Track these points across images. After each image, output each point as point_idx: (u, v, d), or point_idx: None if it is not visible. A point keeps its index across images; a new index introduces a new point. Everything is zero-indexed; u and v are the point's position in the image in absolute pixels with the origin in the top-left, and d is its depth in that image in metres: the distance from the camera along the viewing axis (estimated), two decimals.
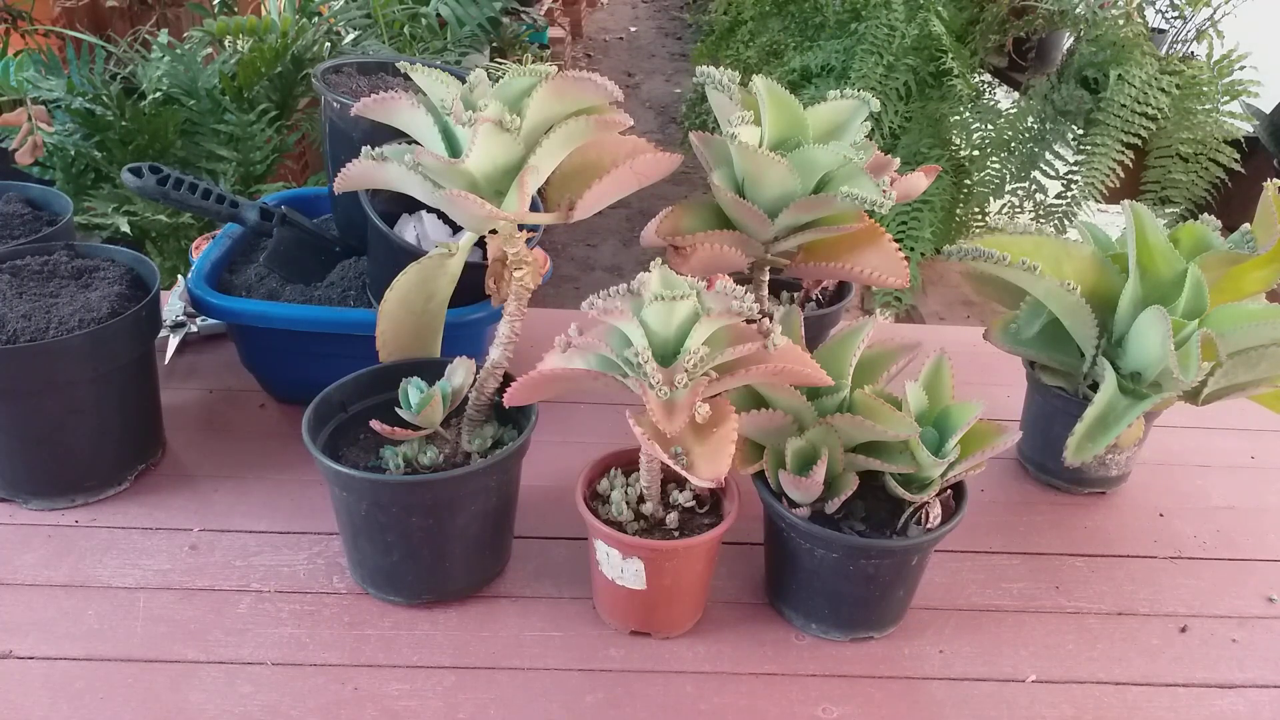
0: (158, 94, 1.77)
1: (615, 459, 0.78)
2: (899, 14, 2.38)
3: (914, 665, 0.75)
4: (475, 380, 0.79)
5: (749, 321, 0.67)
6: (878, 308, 2.27)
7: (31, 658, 0.72)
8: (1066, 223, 2.29)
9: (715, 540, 0.73)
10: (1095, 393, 0.83)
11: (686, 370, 0.64)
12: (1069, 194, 2.30)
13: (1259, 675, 0.76)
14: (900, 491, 0.72)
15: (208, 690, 0.70)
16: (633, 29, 6.17)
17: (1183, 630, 0.80)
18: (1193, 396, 0.85)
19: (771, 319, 0.69)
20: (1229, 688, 0.75)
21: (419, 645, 0.74)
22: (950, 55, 2.32)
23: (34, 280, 0.86)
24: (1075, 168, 2.30)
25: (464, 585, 0.79)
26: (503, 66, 0.81)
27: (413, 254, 0.85)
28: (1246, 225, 0.85)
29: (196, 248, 1.18)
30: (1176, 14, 2.39)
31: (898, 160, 0.82)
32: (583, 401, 1.05)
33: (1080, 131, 2.32)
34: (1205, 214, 0.89)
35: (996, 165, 2.41)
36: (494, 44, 3.01)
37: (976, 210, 2.50)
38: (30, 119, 1.61)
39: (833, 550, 0.72)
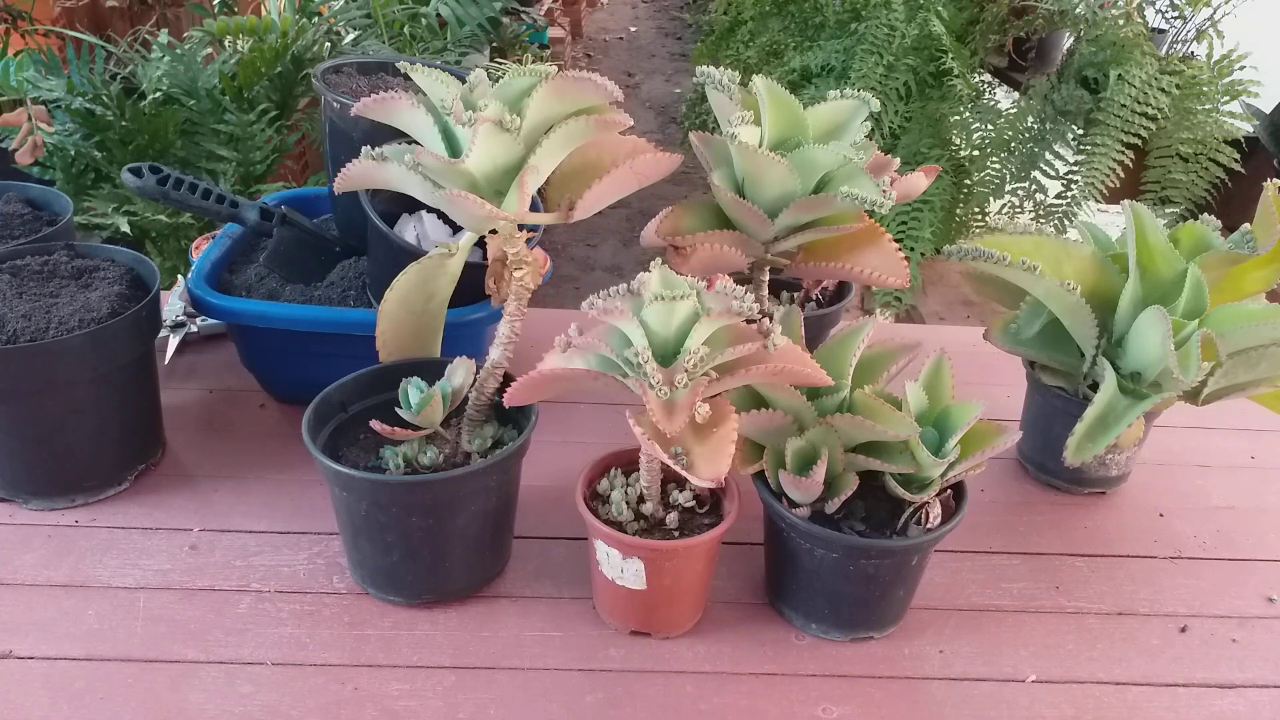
0: (158, 94, 1.77)
1: (615, 459, 0.78)
2: (899, 14, 2.38)
3: (914, 665, 0.75)
4: (475, 380, 0.79)
5: (749, 321, 0.67)
6: (878, 308, 2.27)
7: (31, 658, 0.72)
8: (1066, 223, 2.29)
9: (715, 540, 0.73)
10: (1095, 393, 0.83)
11: (686, 370, 0.64)
12: (1069, 194, 2.30)
13: (1259, 675, 0.76)
14: (900, 491, 0.72)
15: (208, 690, 0.70)
16: (633, 29, 6.17)
17: (1183, 630, 0.80)
18: (1193, 396, 0.85)
19: (771, 319, 0.69)
20: (1229, 688, 0.75)
21: (419, 645, 0.74)
22: (950, 55, 2.32)
23: (34, 280, 0.86)
24: (1075, 168, 2.30)
25: (464, 585, 0.79)
26: (503, 66, 0.81)
27: (413, 254, 0.85)
28: (1246, 225, 0.85)
29: (196, 248, 1.18)
30: (1176, 14, 2.39)
31: (898, 160, 0.82)
32: (583, 401, 1.05)
33: (1080, 131, 2.32)
34: (1205, 214, 0.89)
35: (996, 165, 2.41)
36: (494, 44, 3.01)
37: (976, 210, 2.50)
38: (30, 119, 1.61)
39: (833, 550, 0.72)
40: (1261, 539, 0.91)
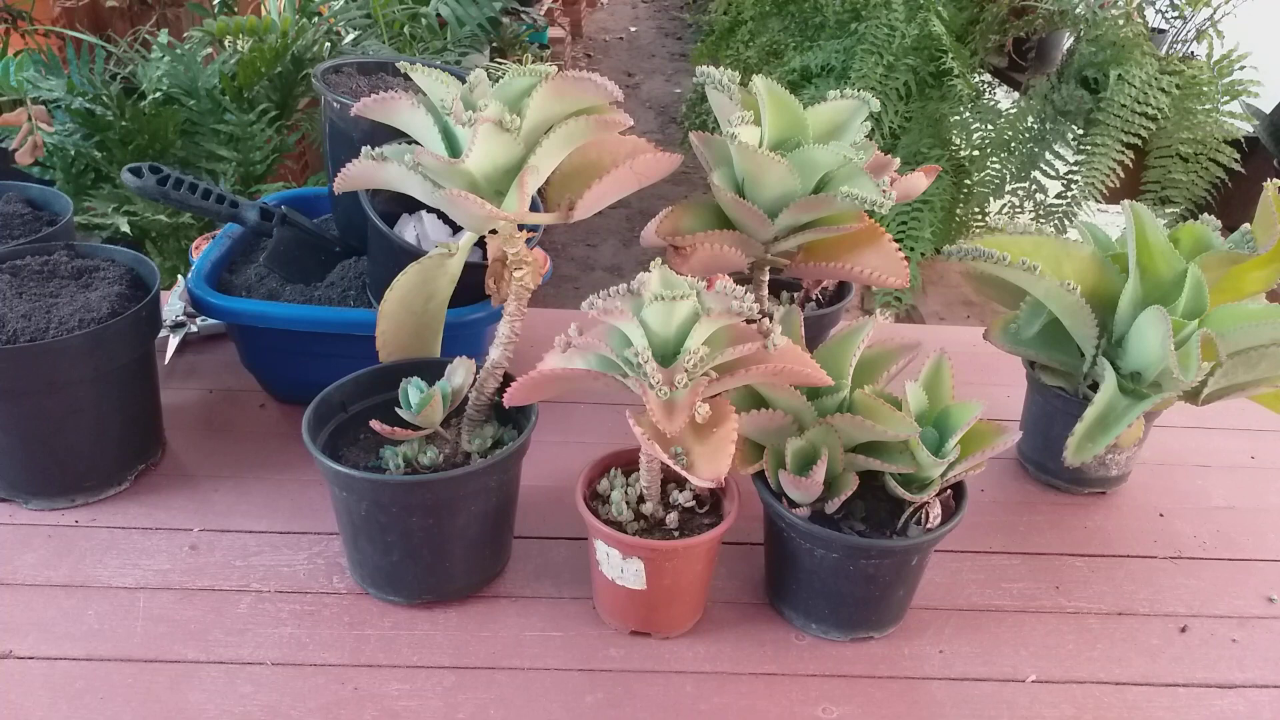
0: (158, 94, 1.77)
1: (615, 459, 0.78)
2: (899, 14, 2.38)
3: (914, 665, 0.75)
4: (475, 380, 0.79)
5: (749, 321, 0.67)
6: (878, 308, 2.27)
7: (31, 658, 0.72)
8: (1066, 223, 2.29)
9: (715, 540, 0.73)
10: (1095, 393, 0.83)
11: (686, 370, 0.64)
12: (1069, 194, 2.30)
13: (1259, 675, 0.76)
14: (900, 491, 0.72)
15: (208, 690, 0.70)
16: (633, 29, 6.17)
17: (1183, 630, 0.80)
18: (1193, 396, 0.85)
19: (771, 319, 0.69)
20: (1229, 688, 0.75)
21: (419, 645, 0.74)
22: (950, 55, 2.32)
23: (34, 280, 0.86)
24: (1075, 168, 2.30)
25: (464, 585, 0.79)
26: (503, 66, 0.81)
27: (413, 254, 0.85)
28: (1246, 225, 0.85)
29: (196, 248, 1.18)
30: (1176, 14, 2.39)
31: (898, 160, 0.82)
32: (583, 401, 1.05)
33: (1080, 131, 2.32)
34: (1205, 214, 0.89)
35: (996, 165, 2.41)
36: (494, 44, 3.01)
37: (976, 210, 2.50)
38: (30, 119, 1.61)
39: (833, 550, 0.72)
40: (1261, 539, 0.91)
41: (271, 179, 1.89)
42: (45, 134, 1.63)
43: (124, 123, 1.72)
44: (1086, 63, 2.31)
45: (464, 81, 0.69)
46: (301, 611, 0.77)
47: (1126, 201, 0.86)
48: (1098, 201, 2.25)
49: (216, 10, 2.17)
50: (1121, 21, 2.28)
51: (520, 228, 0.74)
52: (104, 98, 1.70)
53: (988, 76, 2.76)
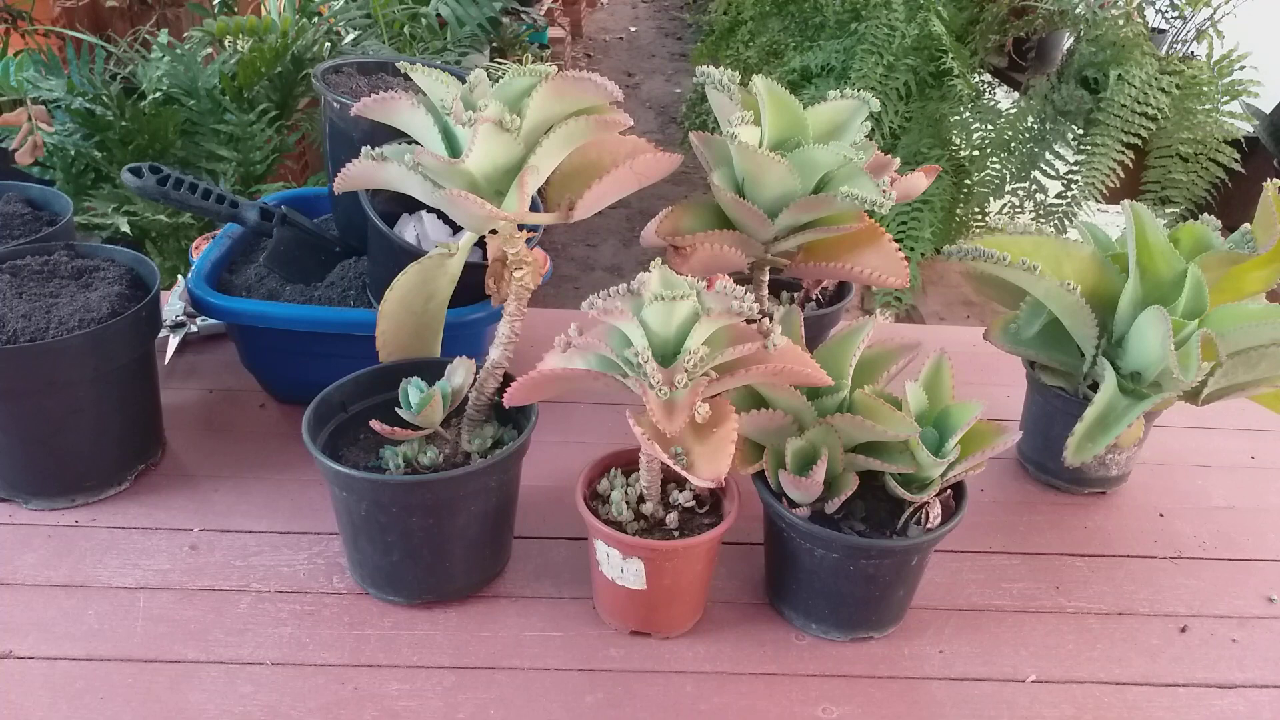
0: (158, 94, 1.77)
1: (615, 459, 0.78)
2: (899, 14, 2.38)
3: (914, 665, 0.75)
4: (475, 380, 0.79)
5: (749, 321, 0.67)
6: (878, 308, 2.27)
7: (31, 658, 0.72)
8: (1066, 223, 2.29)
9: (715, 540, 0.73)
10: (1095, 393, 0.83)
11: (686, 370, 0.64)
12: (1069, 194, 2.30)
13: (1259, 675, 0.76)
14: (900, 491, 0.72)
15: (208, 690, 0.70)
16: (633, 29, 6.17)
17: (1183, 630, 0.80)
18: (1193, 396, 0.85)
19: (771, 319, 0.69)
20: (1229, 688, 0.75)
21: (419, 645, 0.74)
22: (950, 55, 2.32)
23: (34, 280, 0.86)
24: (1075, 168, 2.30)
25: (464, 585, 0.79)
26: (503, 66, 0.81)
27: (413, 254, 0.85)
28: (1246, 225, 0.85)
29: (196, 248, 1.18)
30: (1176, 14, 2.39)
31: (898, 160, 0.82)
32: (583, 401, 1.05)
33: (1080, 131, 2.32)
34: (1205, 214, 0.89)
35: (996, 165, 2.41)
36: (494, 44, 3.01)
37: (976, 210, 2.50)
38: (30, 119, 1.61)
39: (833, 550, 0.72)
40: (1261, 539, 0.91)
41: (271, 179, 1.89)
42: (45, 134, 1.63)
43: (124, 123, 1.72)
44: (1086, 63, 2.31)
45: (464, 81, 0.69)
46: (301, 611, 0.77)
47: (1126, 201, 0.86)
48: (1098, 201, 2.25)
49: (216, 10, 2.17)
50: (1121, 21, 2.28)
51: (520, 228, 0.74)
52: (104, 98, 1.70)
53: (988, 76, 2.76)
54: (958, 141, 2.45)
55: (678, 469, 0.65)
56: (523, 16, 3.38)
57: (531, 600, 0.79)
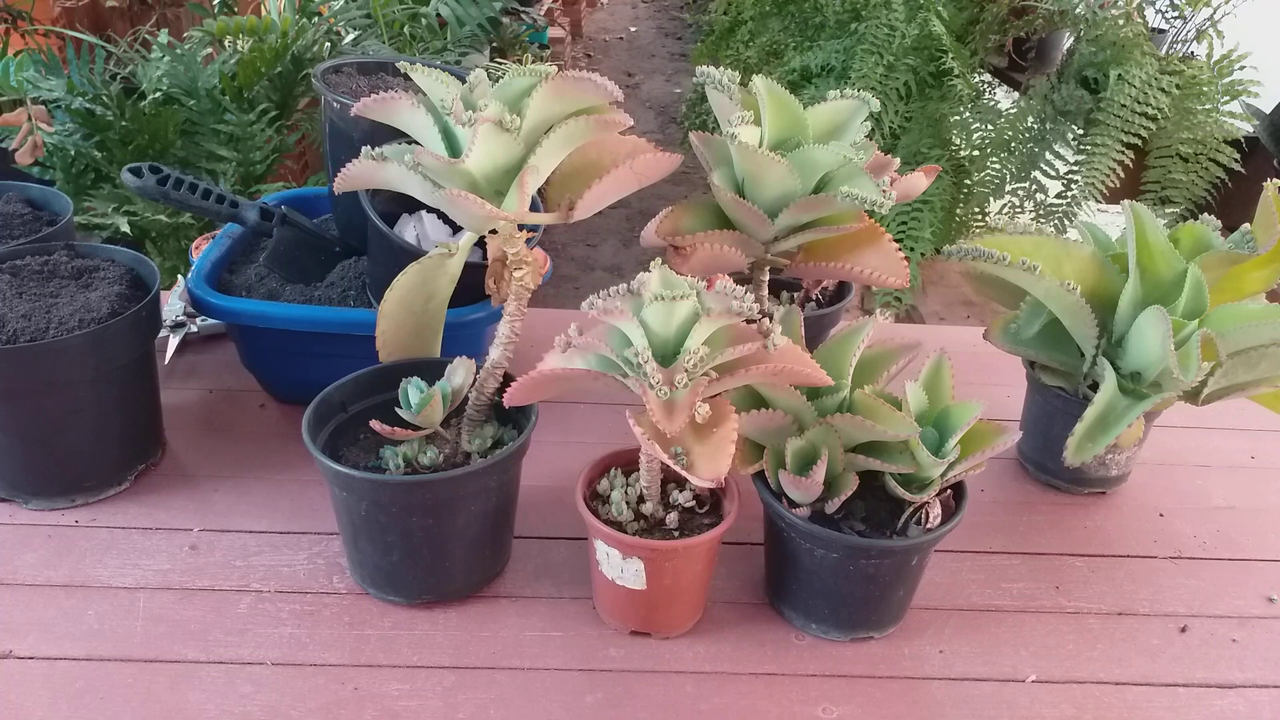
0: (158, 94, 1.77)
1: (615, 459, 0.78)
2: (899, 14, 2.38)
3: (914, 665, 0.75)
4: (475, 380, 0.79)
5: (749, 321, 0.67)
6: (878, 308, 2.27)
7: (31, 658, 0.72)
8: (1066, 223, 2.29)
9: (715, 540, 0.73)
10: (1095, 393, 0.83)
11: (686, 370, 0.64)
12: (1069, 194, 2.30)
13: (1259, 675, 0.76)
14: (900, 491, 0.72)
15: (208, 690, 0.70)
16: (633, 29, 6.17)
17: (1183, 630, 0.80)
18: (1193, 396, 0.85)
19: (771, 319, 0.69)
20: (1229, 688, 0.75)
21: (419, 645, 0.74)
22: (950, 55, 2.32)
23: (34, 280, 0.86)
24: (1075, 168, 2.30)
25: (464, 585, 0.79)
26: (503, 66, 0.81)
27: (413, 254, 0.85)
28: (1246, 225, 0.85)
29: (196, 248, 1.18)
30: (1176, 14, 2.39)
31: (898, 160, 0.82)
32: (583, 401, 1.05)
33: (1080, 131, 2.32)
34: (1205, 214, 0.89)
35: (996, 165, 2.41)
36: (494, 44, 3.01)
37: (976, 210, 2.50)
38: (30, 119, 1.61)
39: (833, 550, 0.72)
40: (1261, 539, 0.91)
41: (271, 179, 1.89)
42: (45, 134, 1.63)
43: (124, 123, 1.72)
44: (1086, 63, 2.31)
45: (464, 81, 0.69)
46: (301, 611, 0.77)
47: (1126, 201, 0.86)
48: (1098, 201, 2.25)
49: (216, 10, 2.17)
50: (1121, 21, 2.28)
51: (520, 228, 0.74)
52: (104, 98, 1.70)
53: (988, 76, 2.76)
54: (958, 141, 2.45)
55: (678, 469, 0.65)
56: (523, 16, 3.38)
57: (531, 600, 0.79)
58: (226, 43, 1.94)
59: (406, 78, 0.70)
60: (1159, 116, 2.22)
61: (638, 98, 4.74)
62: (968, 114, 2.41)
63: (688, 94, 4.10)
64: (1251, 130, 2.37)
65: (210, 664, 0.72)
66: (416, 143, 0.70)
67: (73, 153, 1.71)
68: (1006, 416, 0.96)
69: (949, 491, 0.76)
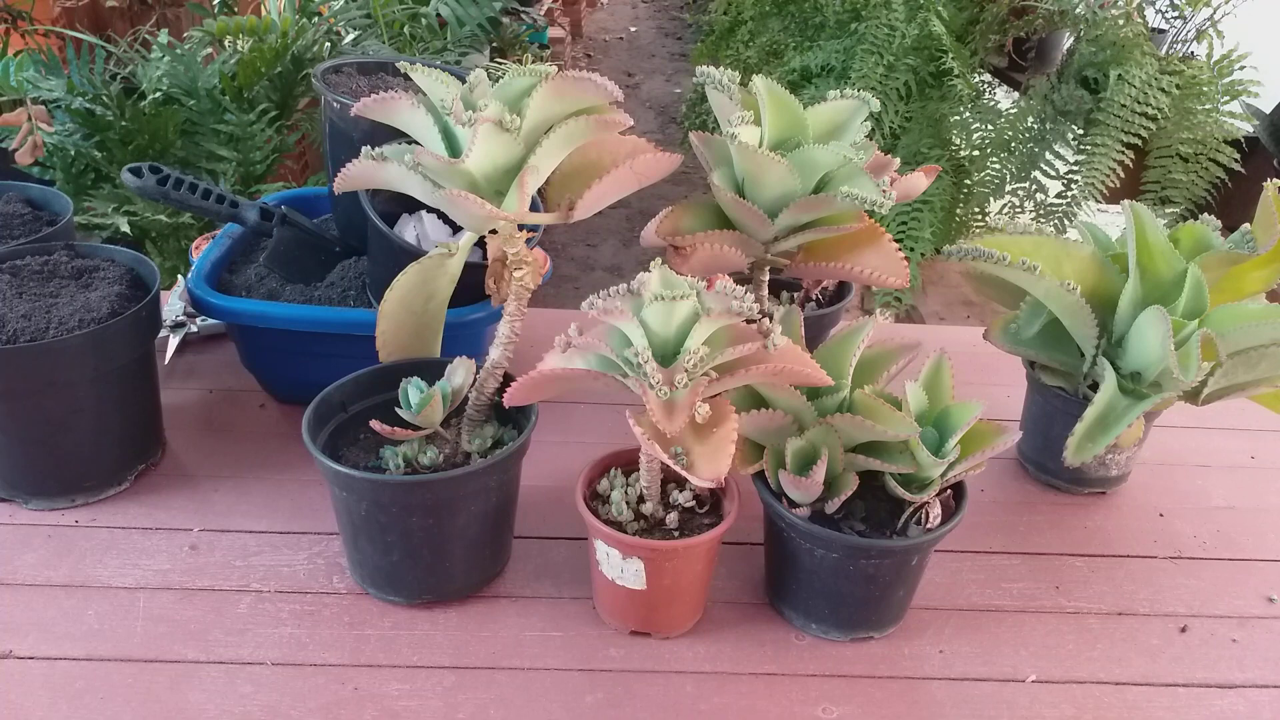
0: (158, 94, 1.77)
1: (615, 459, 0.78)
2: (899, 14, 2.38)
3: (914, 665, 0.75)
4: (475, 380, 0.79)
5: (749, 321, 0.67)
6: (878, 308, 2.27)
7: (31, 658, 0.72)
8: (1066, 223, 2.29)
9: (715, 540, 0.73)
10: (1095, 393, 0.83)
11: (686, 370, 0.64)
12: (1069, 194, 2.30)
13: (1259, 675, 0.76)
14: (900, 491, 0.72)
15: (208, 690, 0.70)
16: (633, 29, 6.17)
17: (1183, 630, 0.80)
18: (1193, 396, 0.85)
19: (771, 319, 0.69)
20: (1229, 688, 0.75)
21: (419, 645, 0.74)
22: (950, 55, 2.33)
23: (34, 280, 0.86)
24: (1075, 168, 2.30)
25: (464, 585, 0.79)
26: (503, 66, 0.81)
27: (413, 254, 0.85)
28: (1246, 225, 0.85)
29: (196, 248, 1.18)
30: (1176, 14, 2.39)
31: (898, 160, 0.82)
32: (583, 401, 1.05)
33: (1080, 131, 2.32)
34: (1205, 214, 0.89)
35: (996, 165, 2.41)
36: (494, 44, 3.01)
37: (976, 210, 2.50)
38: (30, 119, 1.61)
39: (833, 550, 0.72)
40: (1261, 539, 0.91)
41: (271, 179, 1.89)
42: (45, 134, 1.63)
43: (124, 123, 1.72)
44: (1086, 63, 2.31)
45: (464, 81, 0.69)
46: (301, 611, 0.77)
47: (1126, 201, 0.86)
48: (1098, 201, 2.25)
49: (216, 10, 2.17)
50: (1121, 21, 2.28)
51: (520, 228, 0.74)
52: (104, 98, 1.70)
53: (988, 76, 2.76)
54: (958, 141, 2.45)
55: (678, 469, 0.65)
56: (523, 16, 3.38)
57: (531, 600, 0.79)
58: (226, 43, 1.94)
59: (406, 78, 0.70)
60: (1159, 116, 2.22)
61: (638, 98, 4.74)
62: (968, 114, 2.41)
63: (688, 94, 4.10)
64: (1251, 130, 2.37)
65: (210, 664, 0.72)
66: (416, 143, 0.70)
67: (73, 153, 1.71)
68: (1006, 416, 0.96)
69: (949, 491, 0.76)
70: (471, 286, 0.83)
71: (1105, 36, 2.28)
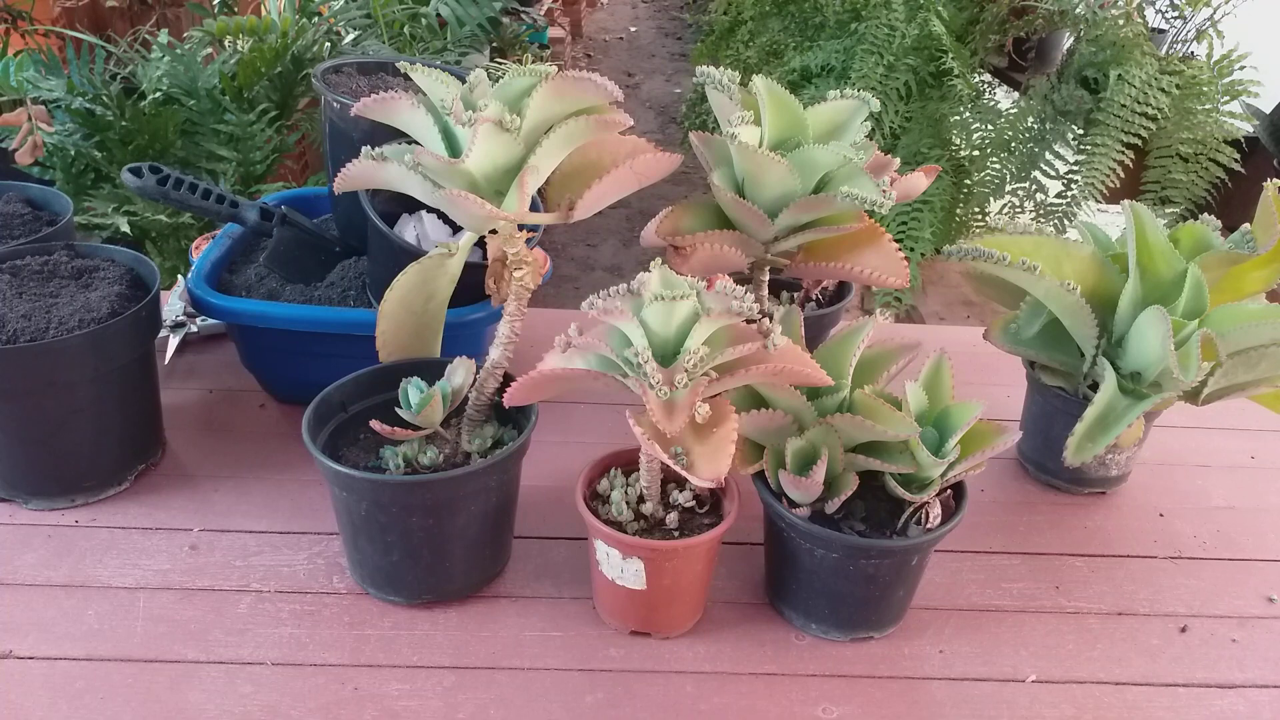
0: (158, 94, 1.77)
1: (615, 459, 0.78)
2: (899, 14, 2.38)
3: (914, 665, 0.75)
4: (475, 380, 0.79)
5: (749, 321, 0.67)
6: (878, 308, 2.27)
7: (31, 658, 0.72)
8: (1066, 223, 2.29)
9: (715, 540, 0.73)
10: (1095, 393, 0.83)
11: (686, 370, 0.64)
12: (1069, 194, 2.30)
13: (1259, 675, 0.76)
14: (900, 491, 0.72)
15: (208, 690, 0.70)
16: (633, 29, 6.17)
17: (1183, 630, 0.80)
18: (1193, 396, 0.85)
19: (771, 319, 0.69)
20: (1229, 688, 0.75)
21: (419, 645, 0.74)
22: (950, 55, 2.33)
23: (34, 280, 0.86)
24: (1075, 168, 2.30)
25: (464, 585, 0.79)
26: (503, 66, 0.81)
27: (413, 254, 0.85)
28: (1246, 225, 0.85)
29: (196, 248, 1.18)
30: (1176, 14, 2.39)
31: (898, 160, 0.82)
32: (583, 401, 1.05)
33: (1080, 131, 2.32)
34: (1205, 214, 0.89)
35: (996, 165, 2.41)
36: (494, 44, 3.01)
37: (976, 210, 2.50)
38: (30, 119, 1.61)
39: (833, 550, 0.72)
40: (1261, 539, 0.91)
41: (271, 179, 1.89)
42: (45, 134, 1.63)
43: (124, 123, 1.72)
44: (1086, 63, 2.31)
45: (464, 81, 0.69)
46: (301, 611, 0.77)
47: (1126, 201, 0.86)
48: (1098, 201, 2.25)
49: (216, 10, 2.17)
50: (1121, 21, 2.28)
51: (520, 228, 0.74)
52: (104, 98, 1.70)
53: (988, 76, 2.76)
54: (958, 141, 2.45)
55: (678, 469, 0.65)
56: (523, 16, 3.38)
57: (531, 600, 0.79)
58: (226, 43, 1.94)
59: (406, 78, 0.70)
60: (1159, 116, 2.22)
61: (638, 98, 4.74)
62: (968, 114, 2.41)
63: (688, 94, 4.10)
64: (1251, 130, 2.37)
65: (210, 664, 0.72)
66: (416, 143, 0.70)
67: (73, 153, 1.71)
68: (1006, 416, 0.96)
69: (949, 491, 0.76)
70: (471, 286, 0.83)
71: (1105, 36, 2.28)
